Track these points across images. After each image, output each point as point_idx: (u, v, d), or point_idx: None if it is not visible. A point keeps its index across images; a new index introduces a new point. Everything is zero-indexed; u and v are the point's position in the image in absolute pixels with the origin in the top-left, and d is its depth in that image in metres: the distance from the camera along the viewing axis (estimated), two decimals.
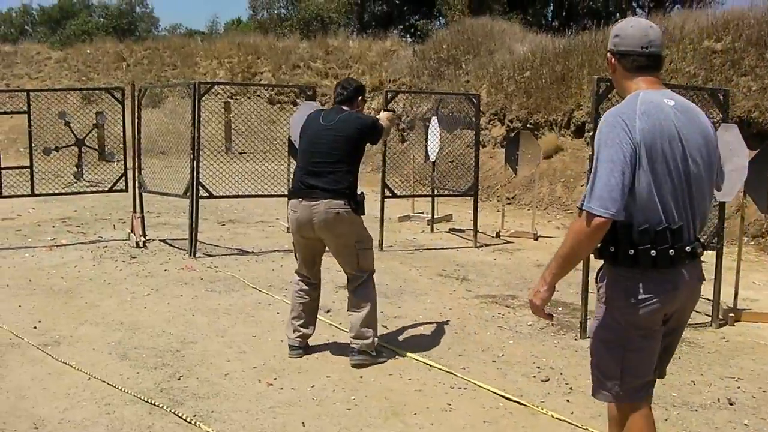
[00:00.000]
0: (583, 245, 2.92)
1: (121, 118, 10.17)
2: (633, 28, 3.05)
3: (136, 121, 9.97)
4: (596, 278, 3.15)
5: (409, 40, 28.69)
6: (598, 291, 3.14)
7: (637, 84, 3.02)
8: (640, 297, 2.93)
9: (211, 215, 12.59)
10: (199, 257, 9.19)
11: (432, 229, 11.89)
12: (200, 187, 9.21)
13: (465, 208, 13.72)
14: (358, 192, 5.34)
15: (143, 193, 10.16)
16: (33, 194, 9.95)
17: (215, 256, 9.32)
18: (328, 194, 5.15)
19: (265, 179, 10.06)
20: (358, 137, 5.33)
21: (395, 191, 10.87)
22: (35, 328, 6.22)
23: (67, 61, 24.26)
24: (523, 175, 12.96)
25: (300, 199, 5.25)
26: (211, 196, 9.35)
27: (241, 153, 21.14)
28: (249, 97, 24.00)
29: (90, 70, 23.82)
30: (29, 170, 9.82)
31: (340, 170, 5.23)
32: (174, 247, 9.83)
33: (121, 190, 10.22)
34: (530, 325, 6.81)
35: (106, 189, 10.37)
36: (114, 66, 24.08)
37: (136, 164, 10.06)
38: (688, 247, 2.92)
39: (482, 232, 11.50)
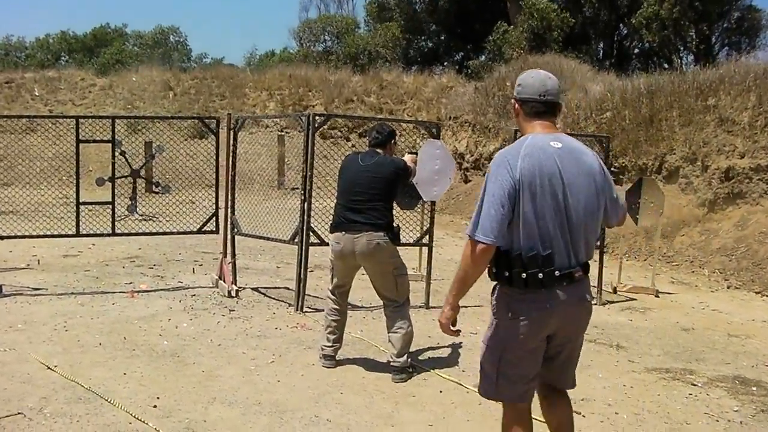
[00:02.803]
0: (473, 268, 3.31)
1: (215, 150, 9.03)
2: (533, 79, 3.50)
3: (231, 155, 8.83)
4: (491, 293, 3.50)
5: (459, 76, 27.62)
6: (490, 304, 3.51)
7: (534, 127, 3.44)
8: (517, 314, 3.34)
9: (274, 258, 11.46)
10: (307, 311, 8.02)
11: None
12: (311, 233, 8.02)
13: None
14: (394, 224, 5.93)
15: (235, 237, 8.99)
16: (114, 233, 8.81)
17: (323, 310, 8.11)
18: (369, 227, 5.74)
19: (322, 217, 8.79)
20: (393, 178, 5.97)
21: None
22: (155, 407, 5.06)
23: (112, 88, 23.35)
24: (645, 226, 11.78)
25: (343, 232, 5.83)
26: (322, 243, 8.18)
27: (293, 189, 20.11)
28: (300, 131, 22.95)
29: (135, 98, 22.88)
30: (111, 206, 8.70)
31: (378, 207, 5.82)
32: (270, 297, 8.68)
33: (211, 232, 9.07)
34: (736, 410, 5.72)
35: (194, 230, 9.14)
36: (161, 95, 23.13)
37: (229, 203, 8.91)
38: (557, 272, 3.28)
39: (594, 286, 10.34)
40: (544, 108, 3.45)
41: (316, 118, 8.18)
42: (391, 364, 5.92)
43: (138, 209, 15.12)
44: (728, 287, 11.24)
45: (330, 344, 6.16)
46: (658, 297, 10.18)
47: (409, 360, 6.02)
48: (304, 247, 8.00)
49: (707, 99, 14.80)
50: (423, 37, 33.97)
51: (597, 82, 19.92)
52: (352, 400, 5.37)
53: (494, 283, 3.50)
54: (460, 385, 5.56)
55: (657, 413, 5.52)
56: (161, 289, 8.81)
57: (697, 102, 14.90)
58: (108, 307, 7.84)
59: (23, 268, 9.84)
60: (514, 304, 3.35)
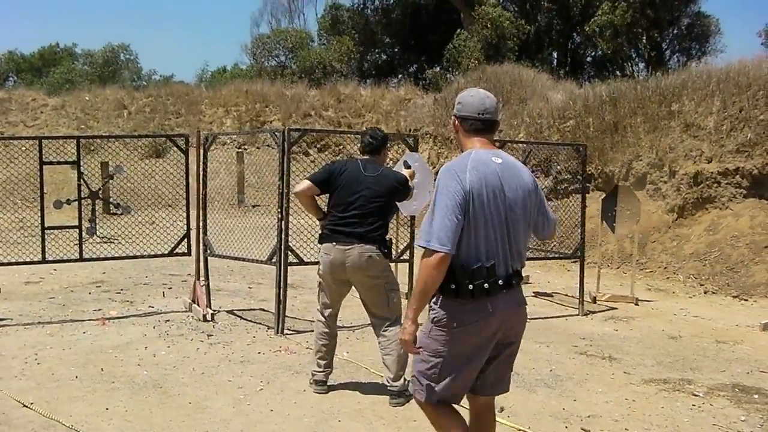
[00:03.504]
0: (432, 278, 3.36)
1: (183, 169, 8.70)
2: (473, 98, 3.61)
3: (202, 173, 8.51)
4: (430, 300, 3.51)
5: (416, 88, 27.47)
6: (429, 310, 3.56)
7: (473, 143, 3.56)
8: (461, 321, 3.43)
9: (244, 278, 11.15)
10: (287, 333, 7.73)
11: None
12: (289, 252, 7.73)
13: (536, 269, 12.45)
14: (387, 239, 5.68)
15: (208, 258, 8.66)
16: (82, 258, 8.42)
17: (304, 332, 7.85)
18: (362, 239, 5.48)
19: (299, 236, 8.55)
20: (394, 192, 5.74)
21: None
22: None
23: (64, 108, 22.74)
24: (622, 234, 11.68)
25: (334, 243, 5.57)
26: (302, 262, 7.89)
27: (254, 206, 19.77)
28: (258, 147, 22.67)
29: (89, 117, 22.33)
30: (77, 231, 8.33)
31: (375, 220, 5.58)
32: (247, 320, 8.36)
33: (183, 254, 8.72)
34: (744, 420, 5.61)
35: (165, 252, 8.78)
36: (115, 113, 22.61)
37: (201, 223, 8.58)
38: (500, 281, 3.41)
39: (571, 296, 10.26)
40: (483, 126, 3.57)
41: (292, 133, 7.84)
42: (388, 388, 5.65)
43: (97, 231, 14.66)
44: (705, 292, 11.19)
45: (321, 369, 5.88)
46: (637, 305, 10.11)
47: (407, 382, 5.59)
48: (282, 268, 7.69)
49: (671, 105, 14.84)
50: (377, 50, 33.79)
51: (558, 91, 19.92)
52: (351, 428, 5.11)
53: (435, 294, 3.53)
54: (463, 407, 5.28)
55: (666, 428, 5.35)
56: (132, 315, 8.44)
57: (661, 108, 14.92)
58: (79, 337, 7.46)
59: None
60: (460, 315, 3.43)
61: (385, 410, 5.48)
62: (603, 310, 9.70)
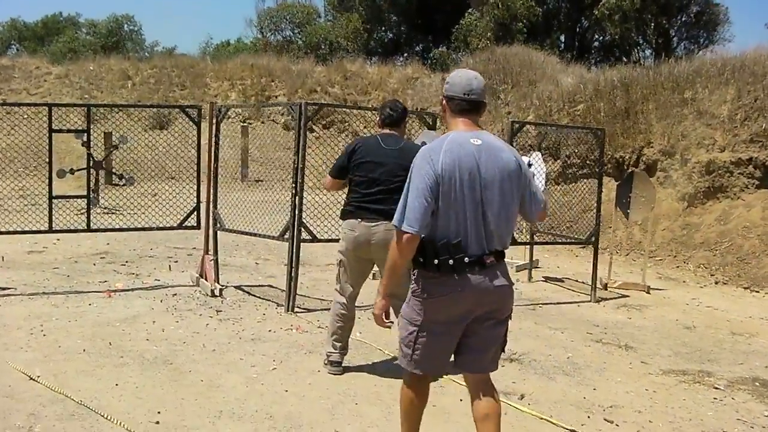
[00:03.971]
0: (399, 257, 3.54)
1: (196, 141, 8.52)
2: (460, 78, 3.68)
3: (214, 146, 8.33)
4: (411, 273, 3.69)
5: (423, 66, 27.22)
6: (411, 286, 3.69)
7: (457, 124, 3.64)
8: (432, 295, 3.57)
9: (250, 253, 10.99)
10: (298, 312, 7.58)
11: (530, 278, 10.37)
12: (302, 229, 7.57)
13: (545, 253, 12.31)
14: None
15: (217, 232, 8.50)
16: (89, 229, 8.26)
17: (315, 310, 7.71)
18: (388, 217, 4.92)
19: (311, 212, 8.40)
20: None
21: None
22: (158, 423, 4.59)
23: (68, 77, 22.48)
24: (636, 220, 11.52)
25: (359, 220, 5.42)
26: (314, 239, 7.73)
27: (257, 181, 19.60)
28: (262, 122, 22.45)
29: (93, 87, 22.07)
30: (86, 200, 8.16)
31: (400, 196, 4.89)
32: (255, 296, 8.22)
33: (192, 227, 8.55)
34: (767, 415, 5.43)
35: (174, 225, 8.62)
36: (119, 84, 22.36)
37: (212, 197, 8.41)
38: (467, 258, 3.47)
39: (582, 282, 10.14)
40: (468, 106, 3.63)
41: (308, 107, 7.66)
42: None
43: (100, 202, 14.50)
44: (716, 282, 11.06)
45: (336, 351, 5.73)
46: (649, 293, 9.97)
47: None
48: (295, 245, 7.53)
49: (684, 92, 14.65)
50: (383, 28, 33.54)
51: (568, 74, 19.72)
52: (369, 412, 4.96)
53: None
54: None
55: (690, 420, 5.21)
56: (139, 288, 8.29)
57: (674, 95, 14.73)
58: (85, 308, 7.31)
59: None
60: (429, 287, 3.57)
61: None
62: (615, 297, 9.56)
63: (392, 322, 3.87)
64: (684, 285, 10.90)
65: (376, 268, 5.86)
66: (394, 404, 5.04)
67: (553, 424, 4.95)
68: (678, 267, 11.97)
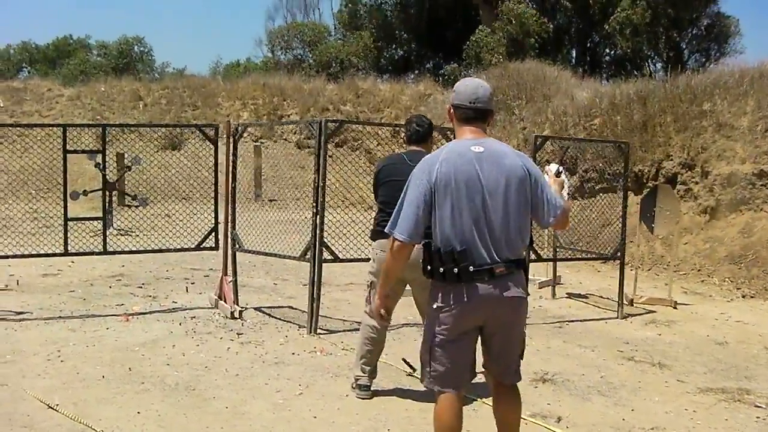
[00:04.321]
0: (392, 262, 3.70)
1: (213, 160, 8.37)
2: (466, 87, 3.69)
3: (232, 165, 8.19)
4: None
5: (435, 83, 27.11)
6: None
7: (464, 132, 3.66)
8: (439, 304, 3.59)
9: (268, 274, 10.82)
10: (321, 333, 7.39)
11: (553, 295, 10.16)
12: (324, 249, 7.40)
13: (566, 269, 12.09)
14: None
15: (236, 253, 8.34)
16: (106, 252, 8.11)
17: (337, 332, 7.53)
18: None
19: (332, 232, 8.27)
20: None
21: None
22: None
23: (80, 98, 22.44)
24: (661, 234, 11.30)
25: None
26: (337, 259, 7.56)
27: (271, 200, 19.48)
28: (275, 141, 22.35)
29: (105, 108, 22.02)
30: (102, 222, 8.03)
31: None
32: (276, 318, 8.04)
33: (210, 248, 8.39)
34: None
35: (192, 247, 8.47)
36: (130, 105, 22.30)
37: (230, 217, 8.25)
38: (471, 267, 3.47)
39: (606, 298, 9.93)
40: (474, 114, 3.64)
41: (329, 124, 7.50)
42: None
43: (114, 224, 14.36)
44: (743, 296, 10.82)
45: (365, 374, 5.53)
46: (676, 308, 9.74)
47: None
48: (317, 264, 7.36)
49: (702, 104, 14.45)
50: (394, 46, 33.50)
51: (582, 89, 19.53)
52: None
53: None
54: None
55: None
56: (156, 311, 8.12)
57: (692, 107, 14.52)
58: (102, 333, 7.15)
59: (1, 290, 9.09)
60: (440, 296, 3.59)
61: None
62: (641, 314, 9.34)
63: (389, 319, 4.12)
64: (710, 299, 10.66)
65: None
66: (428, 429, 4.85)
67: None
68: (703, 281, 11.73)
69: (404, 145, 5.69)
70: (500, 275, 3.52)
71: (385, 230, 3.67)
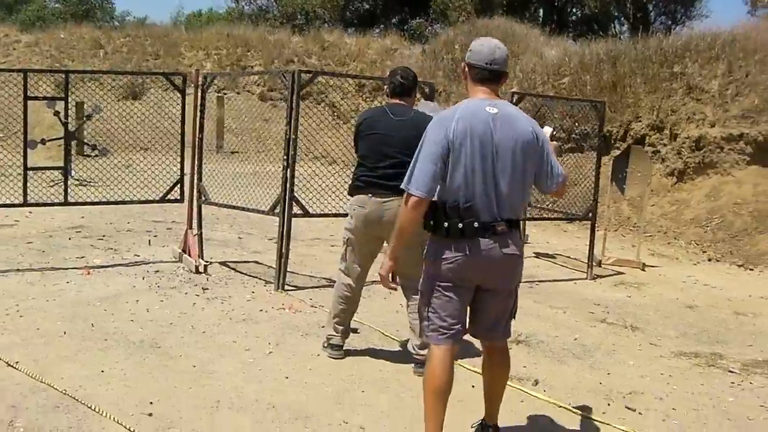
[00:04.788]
0: (408, 219, 3.64)
1: (180, 110, 8.09)
2: (483, 47, 3.69)
3: (199, 116, 7.92)
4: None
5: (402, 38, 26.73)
6: (424, 252, 3.79)
7: (476, 92, 3.69)
8: (441, 257, 3.64)
9: (232, 227, 10.59)
10: (288, 290, 7.22)
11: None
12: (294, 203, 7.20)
13: (532, 228, 11.99)
14: None
15: (201, 206, 8.10)
16: (67, 203, 7.84)
17: (305, 288, 7.37)
18: (401, 192, 4.40)
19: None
20: None
21: None
22: (150, 415, 4.20)
23: (38, 45, 21.70)
24: (633, 196, 11.22)
25: (369, 195, 5.04)
26: (306, 214, 7.37)
27: (233, 152, 19.14)
28: (238, 93, 21.91)
29: (64, 56, 21.32)
30: (63, 172, 7.73)
31: None
32: (242, 273, 7.84)
33: (175, 201, 8.15)
34: None
35: (156, 199, 8.21)
36: (91, 53, 21.61)
37: (196, 169, 8.00)
38: (476, 223, 3.53)
39: (574, 258, 9.89)
40: (490, 75, 3.65)
41: (302, 75, 7.25)
42: (414, 356, 5.15)
43: (73, 173, 13.97)
44: (709, 260, 10.87)
45: (338, 334, 5.37)
46: (644, 270, 9.75)
47: None
48: (286, 219, 7.16)
49: (673, 66, 14.37)
50: None
51: (551, 47, 19.37)
52: (378, 401, 4.63)
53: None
54: None
55: (714, 407, 4.95)
56: (119, 265, 7.87)
57: (663, 69, 14.44)
58: (63, 287, 6.89)
59: None
60: (439, 250, 3.63)
61: (410, 380, 5.00)
62: (610, 275, 9.32)
63: (397, 284, 3.97)
64: (677, 262, 10.68)
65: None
66: (403, 391, 4.75)
67: (574, 412, 4.64)
68: (669, 243, 11.75)
69: (386, 98, 5.43)
70: (501, 233, 3.58)
71: (401, 186, 3.61)
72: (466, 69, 3.73)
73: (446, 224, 3.57)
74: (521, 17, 27.26)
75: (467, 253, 3.57)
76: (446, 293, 3.69)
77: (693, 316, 7.57)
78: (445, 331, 3.71)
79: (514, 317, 3.94)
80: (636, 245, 11.11)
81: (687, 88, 13.76)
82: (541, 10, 33.10)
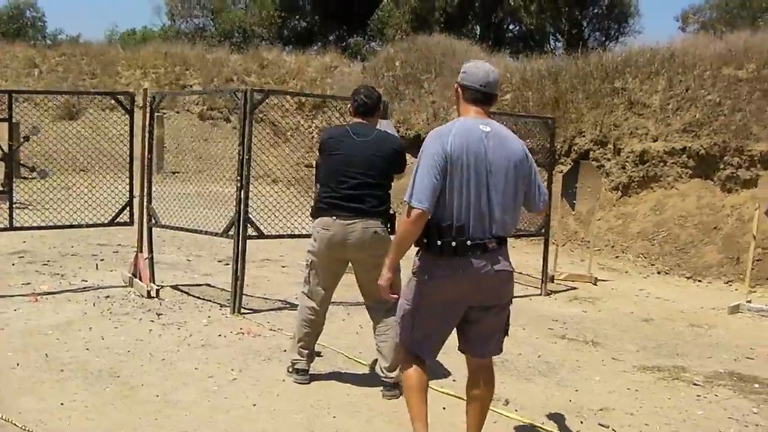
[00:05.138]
0: (408, 232, 3.63)
1: (129, 130, 7.89)
2: (477, 69, 3.81)
3: (147, 135, 7.74)
4: (415, 255, 3.80)
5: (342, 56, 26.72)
6: (413, 265, 3.79)
7: (469, 111, 3.76)
8: (432, 275, 3.68)
9: (180, 249, 10.39)
10: (244, 313, 7.06)
11: None
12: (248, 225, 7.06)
13: None
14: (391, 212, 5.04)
15: (152, 228, 7.91)
16: (12, 227, 7.56)
17: (261, 311, 7.22)
18: (365, 214, 4.86)
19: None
20: (395, 157, 5.06)
21: None
22: None
23: None
24: (582, 211, 11.30)
25: (333, 218, 4.90)
26: (261, 235, 7.22)
27: (173, 173, 18.82)
28: (177, 112, 21.62)
29: None
30: (7, 196, 7.47)
31: (378, 191, 4.94)
32: (195, 297, 7.65)
33: (124, 224, 7.93)
34: (756, 413, 5.27)
35: (105, 222, 7.98)
36: (24, 72, 21.13)
37: (146, 191, 7.81)
38: (469, 241, 3.56)
39: (526, 274, 9.90)
40: (483, 97, 3.76)
41: (255, 95, 7.11)
42: (382, 378, 5.07)
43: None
44: (658, 272, 11.01)
45: (303, 358, 5.23)
46: (596, 285, 9.82)
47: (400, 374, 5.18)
48: (241, 241, 7.01)
49: (614, 81, 14.57)
50: (297, 16, 32.89)
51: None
52: (349, 426, 4.51)
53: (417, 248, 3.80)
54: (462, 399, 4.66)
55: (685, 421, 4.96)
56: (67, 291, 7.61)
57: (604, 84, 14.64)
58: (10, 315, 6.61)
59: None
60: (432, 268, 3.67)
61: (380, 403, 4.91)
62: (564, 290, 9.36)
63: (397, 295, 3.95)
64: (627, 275, 10.79)
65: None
66: (374, 416, 4.65)
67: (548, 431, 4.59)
68: (617, 257, 11.87)
69: (347, 118, 5.36)
70: (492, 250, 3.64)
71: (404, 200, 3.60)
72: (459, 90, 3.83)
73: (439, 243, 3.60)
74: (458, 34, 27.50)
75: (460, 272, 3.61)
76: (435, 311, 3.75)
77: (650, 329, 7.62)
78: (425, 348, 3.85)
79: (507, 334, 3.97)
80: (585, 260, 11.22)
81: (629, 103, 13.96)
82: (478, 27, 33.46)
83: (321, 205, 5.02)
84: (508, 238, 3.79)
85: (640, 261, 11.57)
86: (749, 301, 8.76)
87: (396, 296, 3.96)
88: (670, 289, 9.88)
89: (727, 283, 10.30)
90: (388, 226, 4.96)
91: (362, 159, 4.92)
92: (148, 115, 7.81)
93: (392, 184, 5.10)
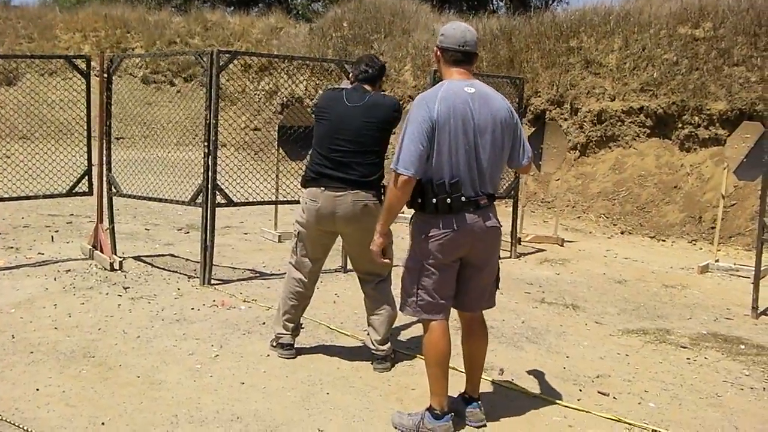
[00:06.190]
0: (396, 197, 3.73)
1: (85, 95, 7.51)
2: (455, 30, 3.83)
3: (106, 101, 7.38)
4: (409, 221, 3.93)
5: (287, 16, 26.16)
6: (409, 230, 3.90)
7: (452, 73, 3.82)
8: (428, 234, 3.75)
9: (135, 218, 10.06)
10: (214, 284, 6.80)
11: None
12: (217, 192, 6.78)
13: None
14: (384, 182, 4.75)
15: (112, 198, 7.57)
16: None
17: (231, 281, 6.97)
18: (356, 184, 4.64)
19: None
20: (389, 123, 4.78)
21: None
22: None
23: None
24: (550, 172, 11.17)
25: (322, 188, 4.67)
26: (231, 203, 6.95)
27: (117, 138, 18.28)
28: (120, 76, 20.89)
29: None
30: None
31: (369, 159, 4.68)
32: (160, 268, 7.35)
33: (83, 193, 7.57)
34: (748, 375, 5.21)
35: (63, 192, 7.60)
36: None
37: (105, 158, 7.45)
38: (463, 197, 3.67)
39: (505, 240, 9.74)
40: (463, 57, 3.81)
41: (222, 56, 6.79)
42: (373, 352, 4.90)
43: None
44: (621, 232, 11.00)
45: (288, 332, 5.02)
46: (563, 246, 9.73)
47: (391, 346, 5.02)
48: (210, 210, 6.73)
49: (569, 41, 14.47)
50: None
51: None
52: (345, 402, 4.31)
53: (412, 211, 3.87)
54: (458, 371, 4.50)
55: (682, 386, 4.88)
56: (24, 265, 7.23)
57: (559, 44, 14.53)
58: None
59: None
60: (427, 227, 3.73)
61: (373, 377, 4.72)
62: (532, 252, 9.27)
63: (390, 260, 4.13)
64: (592, 236, 10.75)
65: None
66: (368, 390, 4.48)
67: (550, 401, 4.45)
68: (579, 218, 11.84)
69: (337, 82, 5.08)
70: (483, 206, 3.77)
71: (390, 167, 3.65)
72: (439, 53, 3.86)
73: (434, 200, 3.67)
74: None
75: (454, 228, 3.70)
76: (435, 271, 3.80)
77: (626, 291, 7.56)
78: (438, 308, 3.87)
79: (498, 287, 4.12)
80: (547, 221, 11.17)
81: (585, 63, 13.89)
82: None
83: (311, 175, 4.77)
84: (496, 195, 3.89)
85: (603, 221, 11.55)
86: (717, 260, 8.76)
87: (388, 260, 4.07)
88: (637, 250, 9.86)
89: (691, 242, 10.34)
90: (381, 197, 4.66)
91: (352, 126, 4.66)
92: (105, 79, 7.36)
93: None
